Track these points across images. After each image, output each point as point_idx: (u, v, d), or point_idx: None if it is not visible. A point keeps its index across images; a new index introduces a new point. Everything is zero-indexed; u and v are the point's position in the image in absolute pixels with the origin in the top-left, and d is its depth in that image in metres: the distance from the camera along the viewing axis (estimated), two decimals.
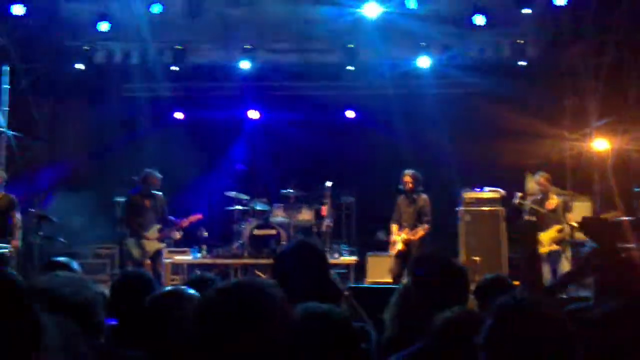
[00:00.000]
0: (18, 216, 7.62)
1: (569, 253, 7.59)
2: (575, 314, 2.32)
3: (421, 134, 10.61)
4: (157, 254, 7.96)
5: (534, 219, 7.94)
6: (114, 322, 2.72)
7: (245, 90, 11.40)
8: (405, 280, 6.60)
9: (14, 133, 9.80)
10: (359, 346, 2.22)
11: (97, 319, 2.15)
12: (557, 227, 7.56)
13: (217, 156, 11.09)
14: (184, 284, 2.76)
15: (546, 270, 7.62)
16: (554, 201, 7.76)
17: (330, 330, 1.98)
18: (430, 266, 2.75)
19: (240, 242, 9.98)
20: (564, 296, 5.89)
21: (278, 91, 11.35)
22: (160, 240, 7.98)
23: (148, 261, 7.87)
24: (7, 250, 7.29)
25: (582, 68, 9.92)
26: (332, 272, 3.18)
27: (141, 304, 2.22)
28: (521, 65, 10.48)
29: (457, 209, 9.15)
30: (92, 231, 9.87)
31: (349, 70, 10.92)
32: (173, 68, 10.80)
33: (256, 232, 9.91)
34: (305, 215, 10.26)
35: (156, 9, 9.33)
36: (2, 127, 9.56)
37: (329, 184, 9.66)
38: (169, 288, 2.30)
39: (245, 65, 10.65)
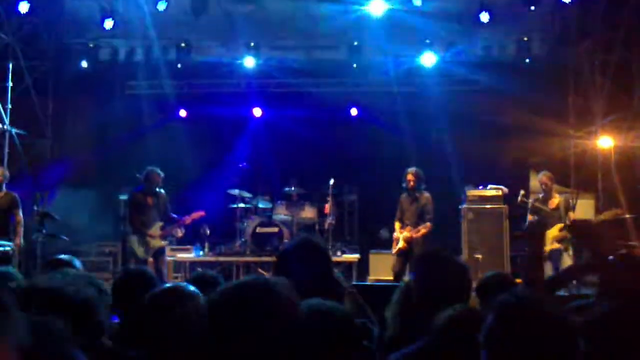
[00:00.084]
0: (20, 214, 7.63)
1: (571, 251, 7.57)
2: (576, 312, 2.31)
3: (425, 132, 10.60)
4: (160, 251, 7.96)
5: (536, 217, 7.91)
6: (116, 320, 2.72)
7: (249, 88, 11.40)
8: (406, 278, 6.60)
9: (17, 131, 9.81)
10: (361, 343, 2.21)
11: (98, 318, 2.14)
12: (559, 225, 7.54)
13: (221, 154, 11.08)
14: (185, 282, 2.76)
15: (548, 269, 7.60)
16: (556, 200, 7.74)
17: (332, 327, 1.97)
18: (433, 264, 2.74)
19: (243, 239, 9.98)
20: (566, 293, 5.88)
21: (282, 88, 11.35)
22: (163, 237, 7.98)
23: (150, 259, 7.87)
24: (9, 249, 7.29)
25: (587, 66, 9.87)
26: (336, 269, 3.17)
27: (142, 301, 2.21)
28: (526, 63, 10.45)
29: (460, 206, 9.13)
30: (95, 229, 9.87)
31: (354, 67, 10.90)
32: (177, 65, 10.82)
33: (259, 229, 9.91)
34: (308, 213, 10.25)
35: (161, 6, 9.33)
36: (6, 125, 9.58)
37: (331, 181, 9.64)
38: (169, 285, 2.29)
39: (249, 62, 10.65)
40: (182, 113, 11.59)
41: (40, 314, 1.56)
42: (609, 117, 9.32)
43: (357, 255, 9.75)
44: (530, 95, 10.35)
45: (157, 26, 10.05)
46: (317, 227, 10.16)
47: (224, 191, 10.36)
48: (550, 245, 7.54)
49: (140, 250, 7.81)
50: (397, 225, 8.04)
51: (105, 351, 2.12)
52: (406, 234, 7.77)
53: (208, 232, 10.06)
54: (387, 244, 8.62)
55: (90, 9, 9.94)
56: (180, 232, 8.29)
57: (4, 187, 7.70)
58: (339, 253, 9.72)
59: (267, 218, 10.24)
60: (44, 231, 7.94)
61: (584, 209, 9.31)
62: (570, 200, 8.28)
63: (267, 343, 1.56)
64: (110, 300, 2.53)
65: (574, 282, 5.35)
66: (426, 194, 7.93)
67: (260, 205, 10.40)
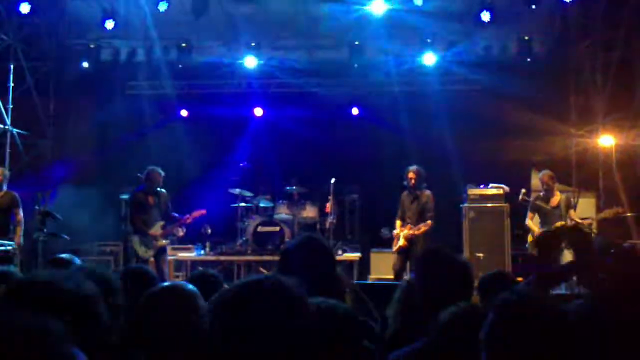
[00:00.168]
0: (21, 213, 7.64)
1: (571, 249, 7.56)
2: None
3: (426, 131, 10.58)
4: (161, 250, 7.97)
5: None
6: None
7: (250, 88, 11.40)
8: (407, 276, 6.60)
9: (19, 131, 9.83)
10: (362, 342, 2.21)
11: (100, 315, 2.14)
12: (559, 223, 7.54)
13: (222, 153, 11.09)
14: (185, 281, 2.76)
15: None
16: (557, 197, 7.74)
17: (333, 325, 1.97)
18: (435, 262, 2.74)
19: (244, 239, 9.99)
20: (568, 292, 5.87)
21: (283, 88, 11.35)
22: (164, 237, 7.99)
23: (152, 258, 7.88)
24: (11, 248, 7.31)
25: (588, 65, 9.87)
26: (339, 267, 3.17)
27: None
28: (527, 62, 10.44)
29: (461, 205, 9.14)
30: (96, 228, 9.88)
31: (355, 67, 10.90)
32: (178, 66, 10.82)
33: (260, 229, 9.91)
34: (309, 212, 10.25)
35: (162, 6, 9.34)
36: (7, 125, 9.59)
37: (332, 180, 9.65)
38: (167, 283, 2.29)
39: (250, 62, 10.65)
40: (184, 113, 11.60)
41: (38, 309, 1.56)
42: (610, 115, 9.32)
43: (358, 254, 9.75)
44: (531, 94, 10.34)
45: (158, 27, 10.06)
46: (318, 226, 10.15)
47: (225, 190, 10.36)
48: None
49: (141, 250, 7.82)
50: (398, 223, 8.04)
51: (106, 349, 2.12)
52: (407, 232, 7.76)
53: (209, 231, 10.07)
54: (388, 242, 8.62)
55: (91, 9, 9.96)
56: (181, 231, 8.30)
57: (4, 186, 7.70)
58: (340, 252, 9.72)
59: (268, 217, 10.24)
60: (45, 230, 7.95)
61: (585, 207, 9.30)
62: (572, 199, 8.28)
63: (277, 341, 1.57)
64: (119, 295, 2.53)
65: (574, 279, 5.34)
66: (427, 192, 7.93)
67: (262, 205, 10.40)
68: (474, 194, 9.06)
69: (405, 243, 7.72)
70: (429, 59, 10.50)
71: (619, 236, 8.23)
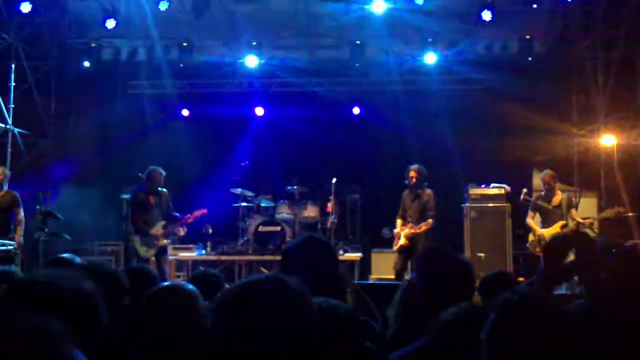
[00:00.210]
0: (21, 213, 7.64)
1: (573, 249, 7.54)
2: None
3: (427, 130, 10.58)
4: (162, 250, 7.97)
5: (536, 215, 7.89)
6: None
7: (251, 87, 11.40)
8: (408, 276, 6.58)
9: (20, 130, 9.84)
10: (363, 342, 2.21)
11: (100, 314, 2.14)
12: (561, 222, 7.53)
13: (223, 153, 11.09)
14: (186, 280, 2.75)
15: None
16: (559, 197, 7.73)
17: (334, 325, 1.97)
18: (436, 262, 2.73)
19: (245, 238, 9.98)
20: (568, 292, 5.86)
21: (284, 88, 11.34)
22: (165, 236, 7.99)
23: (153, 258, 7.88)
24: (12, 248, 7.31)
25: (589, 64, 9.86)
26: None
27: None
28: (529, 61, 10.43)
29: (462, 205, 9.13)
30: (98, 228, 9.90)
31: (356, 66, 10.90)
32: (179, 65, 10.83)
33: (261, 228, 9.91)
34: (311, 211, 10.24)
35: (162, 6, 9.34)
36: (9, 125, 9.60)
37: (334, 180, 9.63)
38: (167, 283, 2.28)
39: (251, 62, 10.65)
40: (185, 112, 11.60)
41: (38, 308, 1.56)
42: (611, 115, 9.31)
43: (359, 254, 9.74)
44: (532, 94, 10.34)
45: (159, 26, 10.06)
46: (319, 225, 10.15)
47: (226, 190, 10.35)
48: None
49: (142, 250, 7.82)
50: (398, 222, 8.02)
51: (106, 349, 2.11)
52: (407, 230, 7.74)
53: (210, 231, 10.06)
54: (389, 242, 8.61)
55: (92, 9, 9.96)
56: (182, 231, 8.30)
57: (5, 186, 7.70)
58: (341, 252, 9.70)
59: (270, 217, 10.23)
60: (46, 230, 7.95)
61: (587, 207, 9.29)
62: (573, 198, 8.27)
63: (278, 341, 1.57)
64: (126, 289, 2.52)
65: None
66: (428, 191, 7.91)
67: (263, 204, 10.39)
68: (475, 194, 9.06)
69: (407, 242, 7.70)
70: (430, 58, 10.49)
71: (620, 236, 8.22)
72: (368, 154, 11.00)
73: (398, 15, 9.89)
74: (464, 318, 2.14)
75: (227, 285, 3.14)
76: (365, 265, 9.73)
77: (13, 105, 9.64)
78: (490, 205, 8.93)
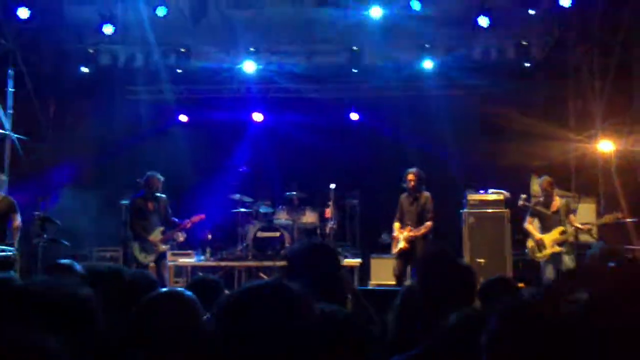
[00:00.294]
0: (18, 219, 7.61)
1: (572, 255, 7.56)
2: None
3: (425, 136, 10.60)
4: (161, 256, 7.96)
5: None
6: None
7: (249, 93, 11.41)
8: (408, 281, 6.57)
9: (18, 136, 9.82)
10: (363, 347, 2.20)
11: (96, 319, 2.13)
12: (559, 228, 7.53)
13: (221, 158, 11.08)
14: (186, 286, 2.75)
15: (549, 270, 7.58)
16: (557, 202, 7.74)
17: (334, 330, 1.97)
18: (437, 266, 2.72)
19: (244, 244, 9.97)
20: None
21: (282, 93, 11.36)
22: (164, 242, 7.98)
23: (152, 264, 7.87)
24: (11, 254, 7.29)
25: (586, 69, 9.88)
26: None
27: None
28: (526, 67, 10.45)
29: (461, 211, 9.13)
30: (96, 234, 9.88)
31: (353, 72, 10.91)
32: (177, 70, 10.83)
33: (260, 234, 9.90)
34: (309, 217, 10.24)
35: (160, 11, 9.35)
36: (7, 130, 9.59)
37: (332, 186, 9.64)
38: (165, 290, 2.28)
39: (249, 67, 10.66)
40: (183, 118, 11.61)
41: (36, 315, 1.56)
42: (609, 120, 9.33)
43: (358, 260, 9.73)
44: (529, 99, 10.37)
45: (157, 31, 10.07)
46: (318, 231, 10.14)
47: (224, 196, 10.35)
48: (550, 249, 7.54)
49: (141, 256, 7.81)
50: (396, 225, 7.97)
51: (103, 354, 2.11)
52: (407, 234, 7.71)
53: (209, 236, 10.05)
54: (389, 248, 8.60)
55: (90, 14, 9.96)
56: (181, 237, 8.29)
57: (1, 191, 7.68)
58: (340, 257, 9.68)
59: (268, 222, 10.22)
60: (45, 236, 7.93)
61: (585, 212, 9.30)
62: (572, 204, 8.27)
63: (278, 347, 1.57)
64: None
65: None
66: (426, 194, 7.88)
67: (261, 210, 10.39)
68: (473, 200, 9.06)
69: (406, 245, 7.66)
70: (427, 64, 10.52)
71: (619, 241, 8.23)
72: (366, 159, 11.01)
73: (395, 21, 9.91)
74: (464, 323, 2.14)
75: (226, 291, 3.13)
76: (364, 270, 9.72)
77: (11, 111, 9.63)
78: (489, 211, 8.94)
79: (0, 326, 1.51)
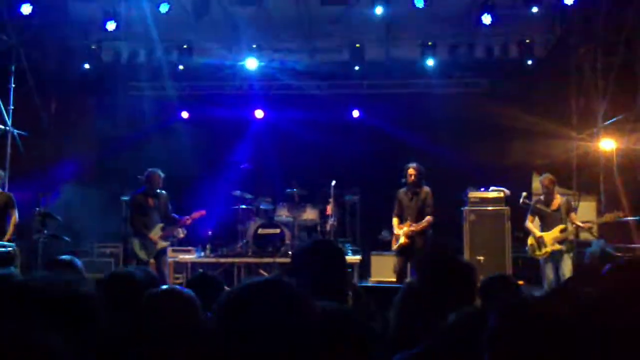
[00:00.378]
0: (16, 214, 7.62)
1: (572, 252, 7.55)
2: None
3: (427, 133, 10.60)
4: (161, 252, 7.96)
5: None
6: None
7: (251, 89, 11.42)
8: (409, 278, 6.56)
9: (20, 132, 9.83)
10: (364, 344, 2.20)
11: (98, 316, 2.13)
12: (560, 226, 7.52)
13: (222, 155, 11.10)
14: (186, 283, 2.75)
15: (549, 268, 7.58)
16: (557, 201, 7.73)
17: (335, 328, 1.97)
18: (438, 264, 2.72)
19: (245, 241, 9.98)
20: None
21: (284, 90, 11.36)
22: (164, 238, 7.98)
23: (152, 260, 7.88)
24: (11, 249, 7.29)
25: (589, 67, 9.86)
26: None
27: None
28: (528, 65, 10.44)
29: (462, 208, 9.13)
30: (97, 230, 9.89)
31: (355, 69, 10.91)
32: (179, 67, 10.84)
33: (260, 231, 9.90)
34: (310, 214, 10.24)
35: (163, 8, 9.35)
36: (8, 126, 9.59)
37: (333, 183, 9.64)
38: (165, 287, 2.28)
39: (251, 64, 10.66)
40: (184, 115, 11.61)
41: (37, 312, 1.56)
42: (611, 118, 9.31)
43: (358, 257, 9.74)
44: (532, 97, 10.36)
45: (160, 28, 10.07)
46: (318, 228, 10.14)
47: (225, 192, 10.36)
48: (550, 247, 7.53)
49: (142, 253, 7.81)
50: (395, 221, 7.89)
51: (105, 351, 2.11)
52: (406, 229, 7.67)
53: (210, 233, 10.06)
54: (389, 245, 8.59)
55: (92, 11, 9.96)
56: (182, 233, 8.29)
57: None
58: None
59: (269, 219, 10.23)
60: (45, 232, 7.94)
61: (586, 211, 9.30)
62: (572, 202, 8.26)
63: (279, 343, 1.57)
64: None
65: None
66: (426, 188, 7.82)
67: (262, 207, 10.39)
68: (474, 197, 9.06)
69: (407, 241, 7.62)
70: (430, 61, 10.51)
71: (620, 240, 8.22)
72: (367, 156, 11.00)
73: (398, 19, 9.90)
74: (465, 321, 2.14)
75: (226, 288, 3.14)
76: (364, 267, 9.73)
77: (13, 107, 9.63)
78: (490, 208, 8.94)
79: (1, 323, 1.51)
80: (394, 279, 7.84)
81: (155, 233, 7.87)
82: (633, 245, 8.26)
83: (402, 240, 7.64)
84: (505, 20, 9.70)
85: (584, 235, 8.40)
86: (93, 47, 10.61)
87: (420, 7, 9.30)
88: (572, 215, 7.73)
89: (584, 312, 1.94)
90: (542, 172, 8.41)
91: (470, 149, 10.33)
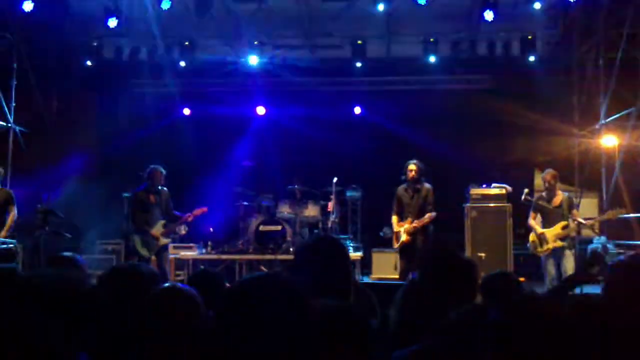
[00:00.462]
0: (15, 210, 7.63)
1: (573, 249, 7.54)
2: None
3: (429, 130, 10.59)
4: (162, 249, 7.96)
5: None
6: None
7: (253, 86, 11.40)
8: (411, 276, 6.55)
9: (21, 129, 9.84)
10: (365, 341, 2.20)
11: (99, 313, 2.14)
12: (562, 223, 7.52)
13: (224, 152, 11.10)
14: (187, 279, 2.75)
15: (550, 265, 7.57)
16: (559, 197, 7.72)
17: (336, 324, 1.97)
18: (439, 260, 2.72)
19: (246, 237, 9.97)
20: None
21: (285, 87, 11.35)
22: (166, 235, 7.98)
23: (153, 257, 7.88)
24: (13, 246, 7.31)
25: (591, 64, 9.85)
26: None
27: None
28: (530, 61, 10.43)
29: (463, 205, 9.13)
30: (99, 227, 9.89)
31: (357, 66, 10.90)
32: (181, 64, 10.83)
33: (262, 227, 9.89)
34: (312, 211, 10.23)
35: (165, 5, 9.35)
36: (10, 123, 9.60)
37: (335, 179, 9.63)
38: (166, 285, 2.28)
39: (253, 61, 10.66)
40: (186, 111, 11.61)
41: (40, 307, 1.56)
42: (613, 115, 9.30)
43: (360, 254, 9.74)
44: (534, 94, 10.34)
45: (161, 25, 10.08)
46: (320, 225, 10.14)
47: (227, 189, 10.36)
48: (552, 244, 7.52)
49: (143, 250, 7.81)
50: (394, 219, 7.87)
51: (107, 347, 2.12)
52: (408, 226, 7.65)
53: (211, 229, 10.06)
54: (390, 242, 8.59)
55: (94, 7, 9.97)
56: (183, 230, 8.29)
57: None
58: None
59: (270, 216, 10.21)
60: (47, 228, 7.95)
61: (588, 207, 9.29)
62: (574, 199, 8.25)
63: (279, 339, 1.57)
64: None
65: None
66: (427, 186, 7.80)
67: (264, 203, 10.38)
68: (476, 194, 9.05)
69: (408, 238, 7.60)
70: (432, 58, 10.50)
71: (621, 237, 8.22)
72: (369, 153, 11.00)
73: (400, 15, 9.89)
74: (466, 317, 2.14)
75: (227, 285, 3.14)
76: (366, 264, 9.73)
77: (15, 104, 9.64)
78: (491, 205, 8.93)
79: (5, 318, 1.52)
80: (396, 276, 7.84)
81: (157, 230, 7.87)
82: (635, 242, 8.26)
83: (403, 237, 7.62)
84: (507, 16, 9.69)
85: (585, 232, 8.39)
86: (94, 43, 10.61)
87: (422, 3, 9.29)
88: (574, 211, 7.72)
89: (584, 312, 1.95)
90: (544, 169, 8.40)
91: (472, 146, 10.32)
